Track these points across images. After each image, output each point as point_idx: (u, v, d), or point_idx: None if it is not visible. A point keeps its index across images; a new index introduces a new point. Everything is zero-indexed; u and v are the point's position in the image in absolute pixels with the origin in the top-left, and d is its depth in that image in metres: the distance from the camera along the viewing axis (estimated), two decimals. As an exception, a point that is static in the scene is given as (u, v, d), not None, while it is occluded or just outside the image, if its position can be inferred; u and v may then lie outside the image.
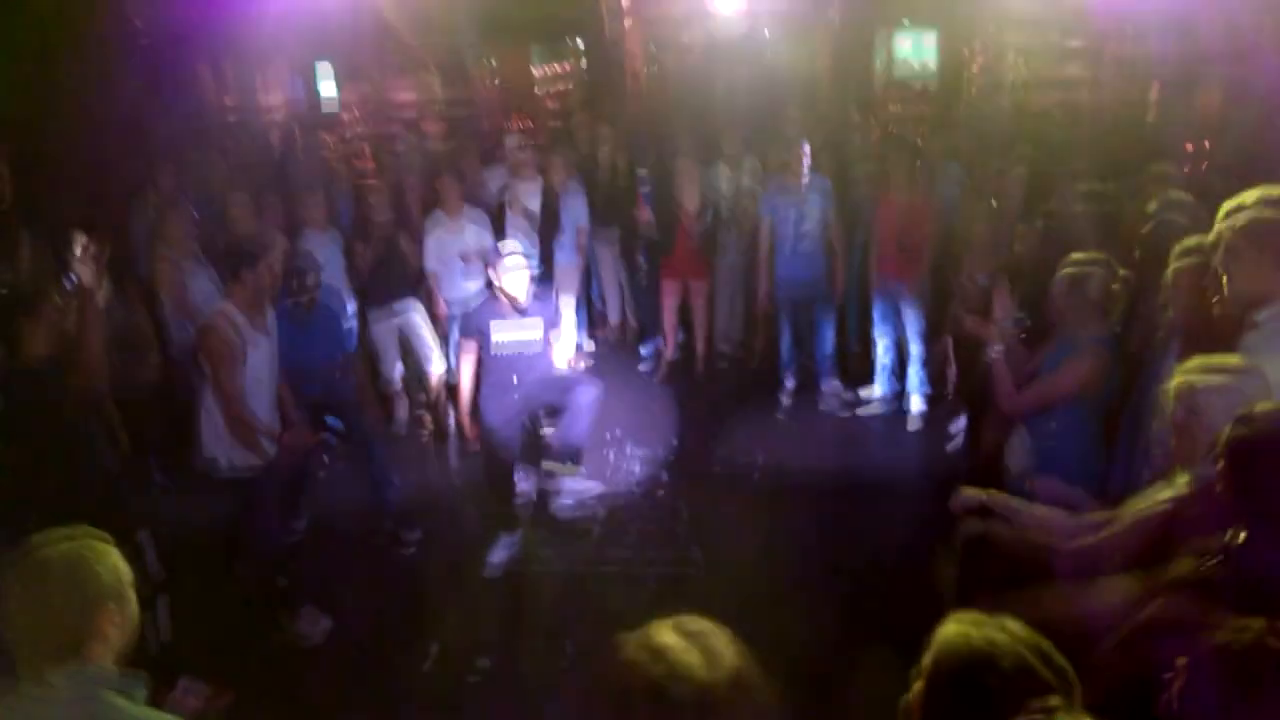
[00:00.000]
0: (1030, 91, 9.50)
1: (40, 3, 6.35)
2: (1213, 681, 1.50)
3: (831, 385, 6.78)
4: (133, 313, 5.29)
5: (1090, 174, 5.44)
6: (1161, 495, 2.46)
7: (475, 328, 4.93)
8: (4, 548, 2.03)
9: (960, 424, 6.04)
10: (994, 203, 5.78)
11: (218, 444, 4.23)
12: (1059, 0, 9.18)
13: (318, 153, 8.52)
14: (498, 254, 5.01)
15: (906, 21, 12.25)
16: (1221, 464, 2.04)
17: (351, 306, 6.29)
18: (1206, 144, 7.40)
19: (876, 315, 6.49)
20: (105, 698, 1.86)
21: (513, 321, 4.88)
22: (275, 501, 4.40)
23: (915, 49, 12.93)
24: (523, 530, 5.06)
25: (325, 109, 10.61)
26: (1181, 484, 2.41)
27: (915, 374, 6.43)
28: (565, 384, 5.03)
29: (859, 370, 6.86)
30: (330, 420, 5.07)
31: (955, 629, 1.58)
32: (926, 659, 1.59)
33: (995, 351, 3.73)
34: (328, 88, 10.79)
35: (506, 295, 4.84)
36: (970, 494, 2.90)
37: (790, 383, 6.79)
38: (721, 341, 7.62)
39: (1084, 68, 9.99)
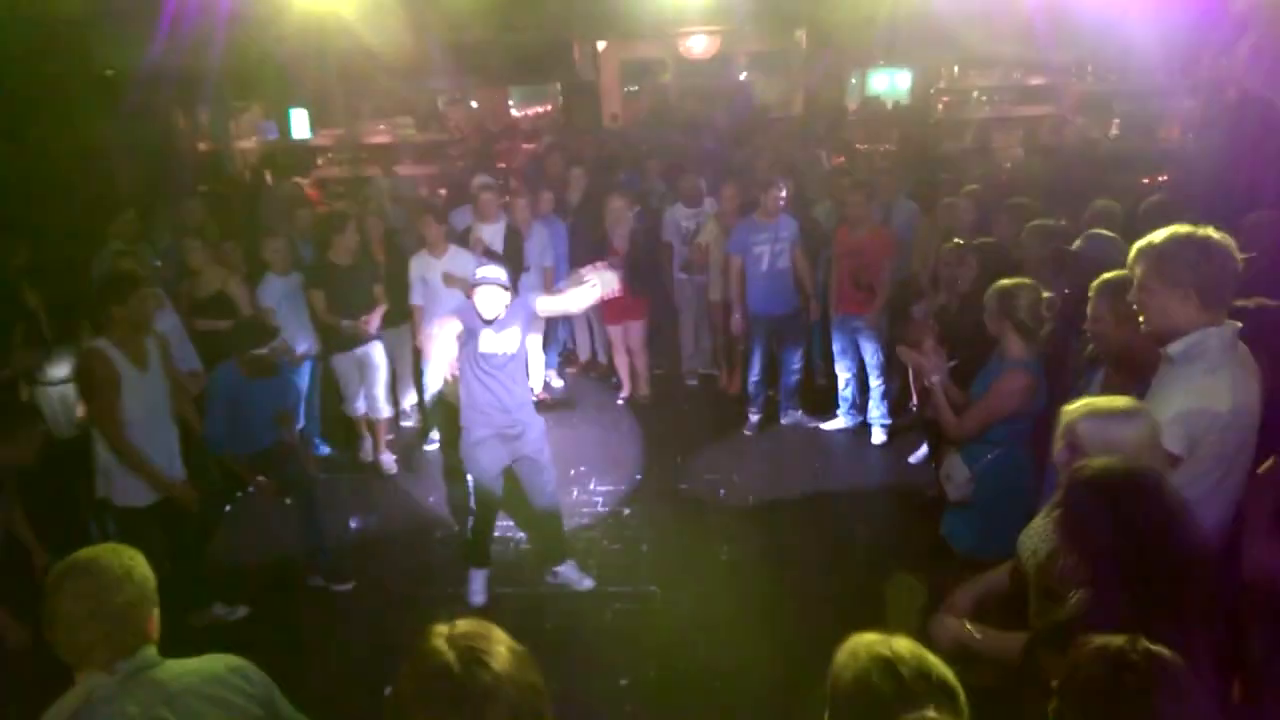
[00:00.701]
0: (992, 129, 9.70)
1: (8, 46, 6.41)
2: (1083, 694, 1.59)
3: (793, 416, 6.88)
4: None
5: (1044, 209, 5.56)
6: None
7: (466, 324, 4.68)
8: None
9: (921, 453, 6.14)
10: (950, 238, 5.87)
11: (105, 481, 4.30)
12: (1026, 41, 9.41)
13: (287, 194, 8.62)
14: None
15: (881, 61, 12.56)
16: (1057, 512, 2.09)
17: (308, 345, 6.34)
18: (1162, 179, 7.59)
19: (836, 349, 6.59)
20: (164, 664, 2.11)
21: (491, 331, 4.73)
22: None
23: (891, 88, 13.25)
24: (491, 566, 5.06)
25: (300, 152, 10.70)
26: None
27: (876, 406, 6.51)
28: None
29: (824, 402, 6.98)
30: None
31: (850, 644, 1.70)
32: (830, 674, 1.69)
33: (932, 381, 3.81)
34: (301, 130, 10.90)
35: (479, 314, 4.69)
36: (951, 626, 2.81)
37: (756, 415, 6.84)
38: (688, 373, 7.81)
39: (1047, 106, 10.24)
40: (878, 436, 6.56)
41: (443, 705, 1.42)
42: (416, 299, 6.45)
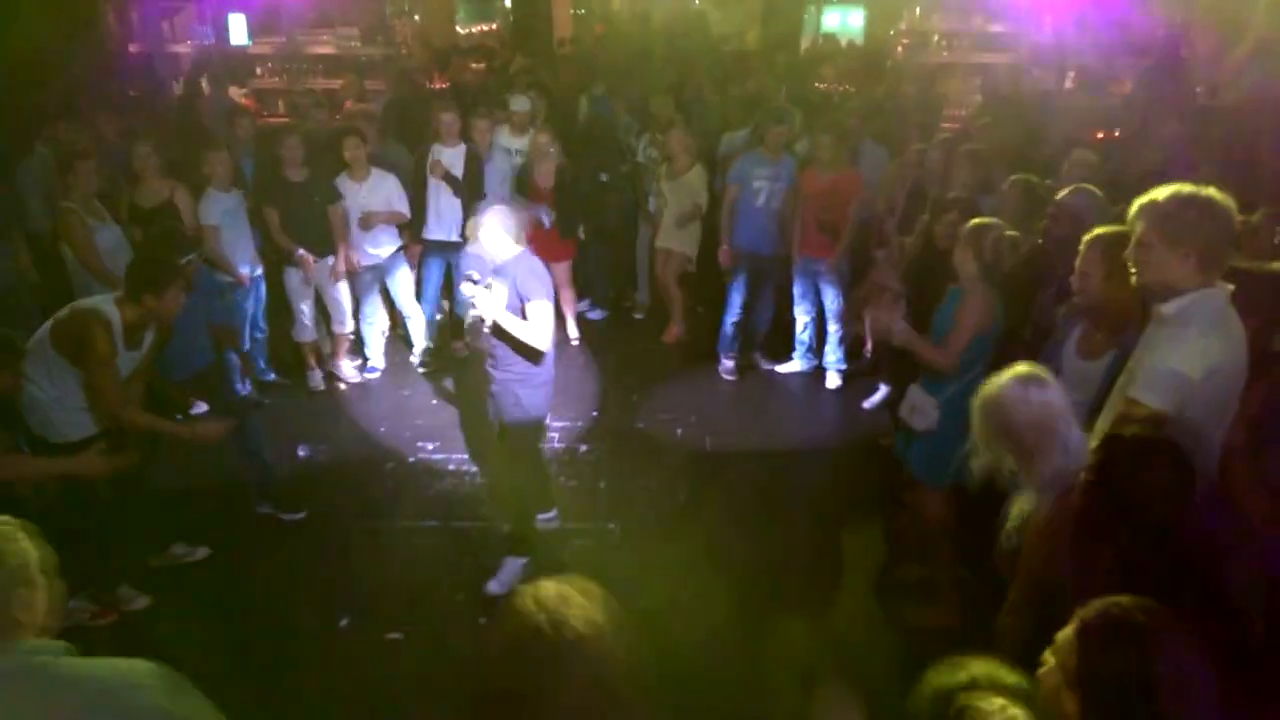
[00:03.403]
0: (950, 75, 9.66)
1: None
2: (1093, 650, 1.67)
3: (753, 357, 6.88)
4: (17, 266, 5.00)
5: (1011, 163, 5.57)
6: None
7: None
8: None
9: (876, 398, 6.21)
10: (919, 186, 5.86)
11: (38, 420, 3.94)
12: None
13: (225, 105, 8.16)
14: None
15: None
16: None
17: (254, 267, 6.07)
18: (1116, 133, 7.68)
19: (796, 291, 6.56)
20: (39, 661, 1.86)
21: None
22: None
23: (842, 25, 13.09)
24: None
25: (238, 60, 10.11)
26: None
27: (832, 350, 6.53)
28: None
29: (780, 345, 6.96)
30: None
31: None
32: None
33: (899, 330, 3.85)
34: (239, 37, 10.28)
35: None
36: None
37: (731, 358, 6.75)
38: (637, 307, 7.79)
39: (1005, 54, 10.22)
40: (833, 380, 6.58)
41: (538, 664, 1.51)
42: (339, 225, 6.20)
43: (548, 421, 5.93)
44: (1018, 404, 2.58)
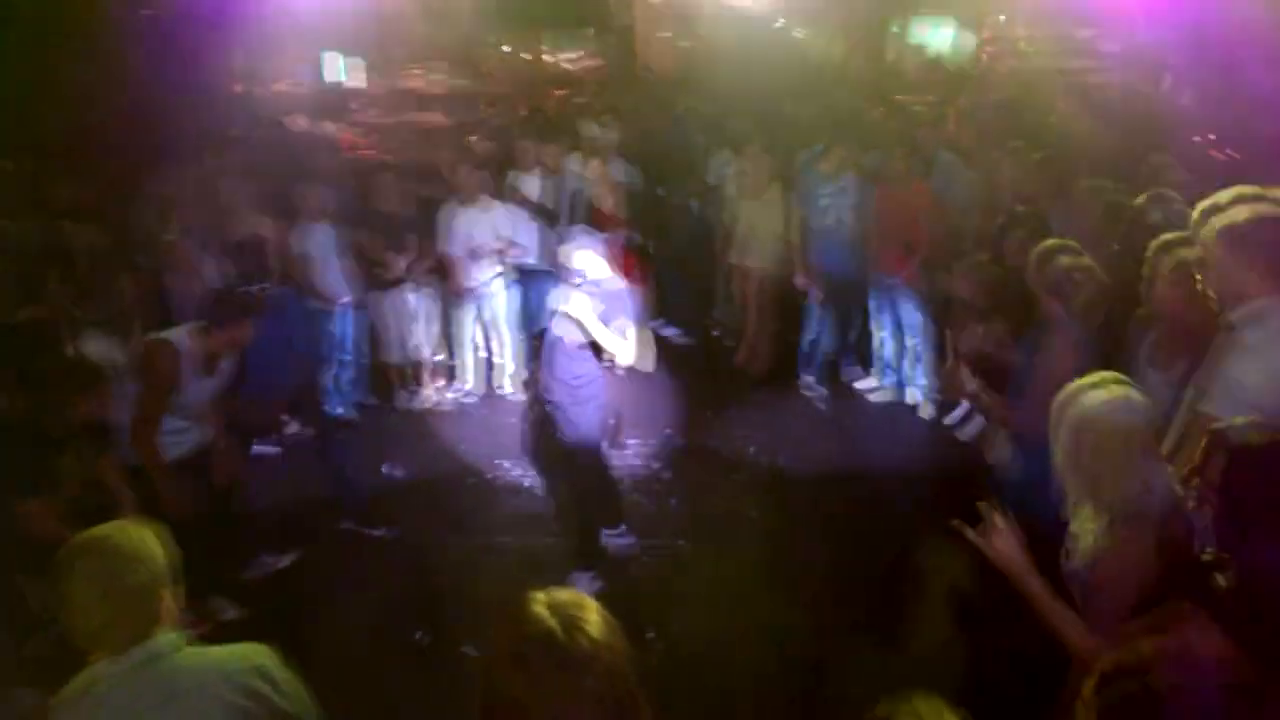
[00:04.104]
0: (1038, 82, 9.39)
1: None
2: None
3: (851, 374, 6.84)
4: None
5: (1092, 168, 5.40)
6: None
7: None
8: None
9: (958, 412, 6.06)
10: (994, 196, 5.75)
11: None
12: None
13: (323, 139, 8.58)
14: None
15: (923, 10, 12.22)
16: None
17: (347, 296, 6.33)
18: (1212, 136, 7.34)
19: (872, 308, 6.49)
20: (182, 652, 2.03)
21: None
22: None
23: (931, 38, 12.91)
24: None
25: (333, 97, 10.62)
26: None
27: (911, 366, 6.41)
28: None
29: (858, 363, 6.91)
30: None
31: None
32: None
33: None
34: (334, 74, 10.81)
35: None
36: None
37: (811, 375, 6.73)
38: (715, 325, 7.82)
39: (1094, 59, 9.93)
40: (912, 397, 6.48)
41: (545, 669, 1.48)
42: (455, 249, 6.39)
43: (621, 439, 6.06)
44: (1103, 422, 2.39)
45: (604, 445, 4.81)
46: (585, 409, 4.44)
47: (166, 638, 2.01)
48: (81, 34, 6.57)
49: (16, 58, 6.34)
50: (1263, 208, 2.62)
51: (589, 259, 4.26)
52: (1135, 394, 2.45)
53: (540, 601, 1.56)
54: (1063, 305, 3.55)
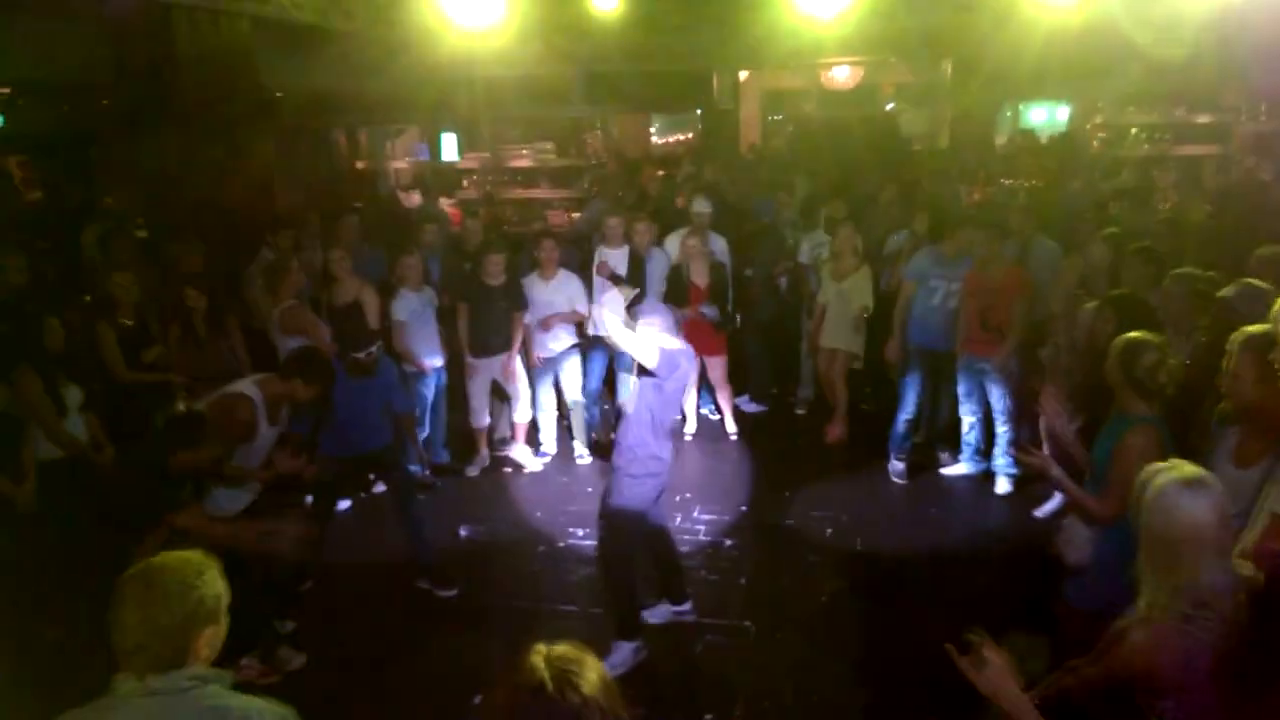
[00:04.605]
0: (1151, 169, 9.13)
1: (190, 73, 7.00)
2: None
3: (946, 461, 6.68)
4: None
5: (1198, 258, 5.20)
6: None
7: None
8: None
9: (1049, 506, 5.81)
10: (1083, 284, 5.59)
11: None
12: (1189, 76, 8.83)
13: (432, 215, 9.01)
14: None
15: (1029, 95, 12.09)
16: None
17: (439, 360, 6.59)
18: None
19: (961, 391, 6.33)
20: (202, 690, 2.06)
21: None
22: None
23: (1050, 120, 12.74)
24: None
25: (448, 173, 11.20)
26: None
27: (1002, 453, 6.22)
28: None
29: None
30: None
31: None
32: None
33: (1055, 427, 3.64)
34: (450, 153, 11.41)
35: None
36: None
37: (901, 460, 6.58)
38: (800, 401, 7.81)
39: (1213, 145, 9.60)
40: (1002, 486, 6.24)
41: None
42: (528, 318, 6.65)
43: (695, 514, 6.04)
44: (1169, 507, 2.35)
45: (660, 520, 4.81)
46: (641, 484, 4.45)
47: (192, 672, 2.06)
48: (216, 116, 7.13)
49: (156, 137, 6.94)
50: None
51: (653, 331, 4.35)
52: (1210, 480, 2.38)
53: (540, 653, 1.60)
54: (1145, 402, 3.43)
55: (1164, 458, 3.35)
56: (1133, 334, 3.54)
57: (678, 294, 6.82)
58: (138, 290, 5.79)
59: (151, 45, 6.92)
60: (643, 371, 4.36)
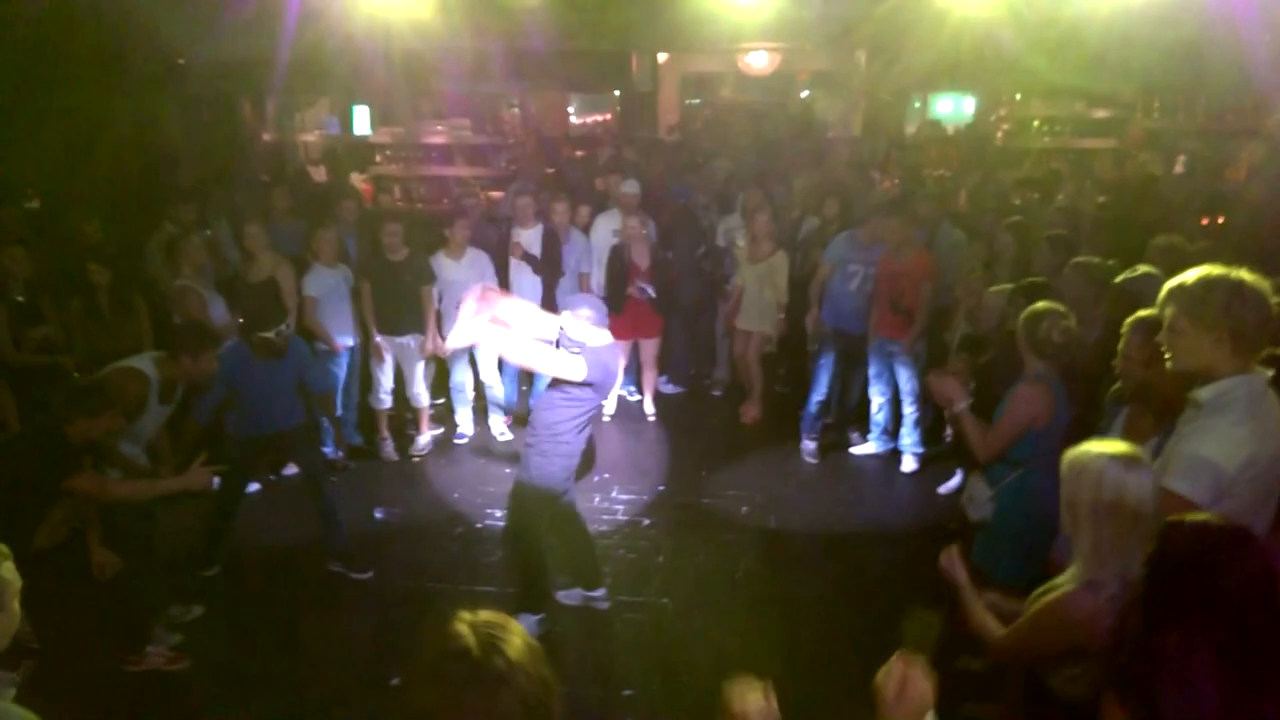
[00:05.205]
0: (1051, 161, 9.49)
1: (86, 37, 6.65)
2: None
3: (857, 441, 6.86)
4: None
5: (1096, 247, 5.44)
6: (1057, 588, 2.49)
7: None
8: None
9: (952, 483, 6.03)
10: (988, 270, 5.81)
11: None
12: (1092, 73, 9.20)
13: (349, 190, 8.77)
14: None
15: (941, 86, 12.40)
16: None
17: (351, 339, 6.44)
18: (1220, 219, 7.38)
19: (871, 372, 6.52)
20: None
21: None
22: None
23: (956, 112, 13.09)
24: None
25: (360, 148, 10.90)
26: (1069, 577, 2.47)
27: (908, 433, 6.42)
28: None
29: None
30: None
31: None
32: None
33: (959, 407, 3.79)
34: (362, 127, 11.10)
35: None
36: (952, 561, 2.93)
37: (813, 440, 6.73)
38: (714, 384, 7.93)
39: (1110, 139, 10.02)
40: (908, 464, 6.47)
41: (458, 685, 1.49)
42: (436, 298, 6.53)
43: (613, 494, 6.07)
44: (1119, 486, 2.36)
45: (573, 504, 4.79)
46: (552, 463, 4.43)
47: None
48: (115, 81, 6.80)
49: (49, 103, 6.58)
50: (1214, 270, 2.63)
51: (582, 326, 4.33)
52: (1145, 457, 2.46)
53: (464, 620, 1.57)
54: (1042, 361, 3.68)
55: (1051, 411, 3.61)
56: (1035, 305, 3.75)
57: (618, 276, 6.82)
58: (29, 265, 5.50)
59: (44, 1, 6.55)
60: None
